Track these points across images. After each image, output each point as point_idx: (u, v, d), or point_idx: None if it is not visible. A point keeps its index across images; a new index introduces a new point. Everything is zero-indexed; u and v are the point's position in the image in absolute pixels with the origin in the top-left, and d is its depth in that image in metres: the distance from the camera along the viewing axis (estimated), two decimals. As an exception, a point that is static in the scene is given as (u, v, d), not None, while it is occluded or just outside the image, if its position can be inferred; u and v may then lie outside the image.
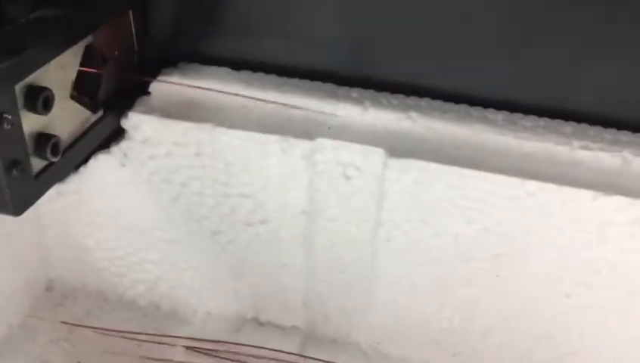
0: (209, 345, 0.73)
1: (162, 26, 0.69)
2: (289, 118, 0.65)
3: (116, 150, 0.67)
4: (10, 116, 0.47)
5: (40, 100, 0.50)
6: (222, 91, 0.65)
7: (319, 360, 0.72)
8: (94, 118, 0.61)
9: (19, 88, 0.49)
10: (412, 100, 0.66)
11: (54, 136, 0.53)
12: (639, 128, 0.63)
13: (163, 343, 0.73)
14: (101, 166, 0.68)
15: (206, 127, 0.63)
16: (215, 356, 0.72)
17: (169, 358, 0.71)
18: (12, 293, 0.73)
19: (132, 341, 0.73)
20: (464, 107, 0.65)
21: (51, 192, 0.59)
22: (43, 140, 0.53)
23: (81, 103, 0.59)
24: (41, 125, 0.53)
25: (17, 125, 0.49)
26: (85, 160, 0.67)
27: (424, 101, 0.66)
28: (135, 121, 0.64)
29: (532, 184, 0.58)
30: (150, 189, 0.69)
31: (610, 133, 0.62)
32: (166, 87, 0.66)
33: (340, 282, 0.70)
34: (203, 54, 0.69)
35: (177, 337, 0.74)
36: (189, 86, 0.66)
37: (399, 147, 0.61)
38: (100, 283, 0.79)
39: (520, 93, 0.64)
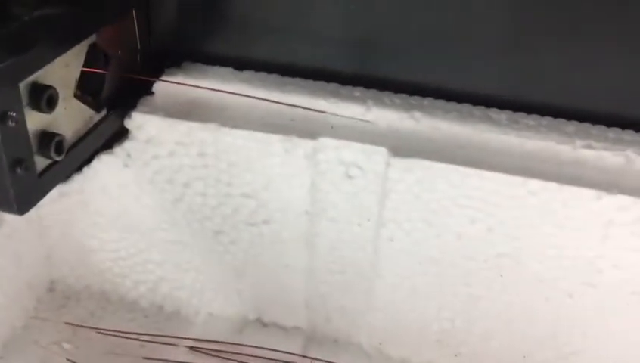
0: (212, 346, 0.73)
1: (165, 25, 0.69)
2: (292, 117, 0.65)
3: (119, 150, 0.67)
4: (14, 114, 0.47)
5: (44, 98, 0.50)
6: (225, 91, 0.65)
7: (322, 361, 0.72)
8: (97, 117, 0.62)
9: (23, 85, 0.49)
10: (415, 99, 0.66)
11: (58, 135, 0.54)
12: (643, 127, 0.63)
13: (165, 344, 0.73)
14: (104, 167, 0.68)
15: (209, 127, 0.63)
16: (218, 357, 0.72)
17: (172, 358, 0.71)
18: (15, 294, 0.73)
19: (134, 342, 0.73)
20: (466, 106, 0.65)
21: (54, 192, 0.59)
22: (47, 138, 0.53)
23: (85, 102, 0.59)
24: (45, 124, 0.53)
25: (21, 123, 0.49)
26: (88, 160, 0.68)
27: (427, 101, 0.66)
28: (138, 121, 0.65)
29: (535, 183, 0.58)
30: (153, 189, 0.69)
31: (613, 132, 0.62)
32: (169, 87, 0.67)
33: (342, 282, 0.70)
34: (206, 54, 0.69)
35: (180, 338, 0.74)
36: (192, 86, 0.66)
37: (401, 147, 0.61)
38: (102, 284, 0.79)
39: (523, 92, 0.64)
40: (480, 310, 0.68)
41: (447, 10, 0.62)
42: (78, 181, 0.70)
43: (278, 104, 0.65)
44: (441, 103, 0.65)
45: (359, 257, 0.67)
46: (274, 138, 0.63)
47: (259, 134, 0.63)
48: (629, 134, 0.62)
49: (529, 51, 0.62)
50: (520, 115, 0.64)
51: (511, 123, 0.63)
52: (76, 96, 0.57)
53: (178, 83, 0.66)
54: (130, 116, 0.65)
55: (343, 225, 0.65)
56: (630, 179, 0.59)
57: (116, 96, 0.64)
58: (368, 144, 0.61)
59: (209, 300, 0.77)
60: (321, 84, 0.67)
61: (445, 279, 0.67)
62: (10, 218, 0.69)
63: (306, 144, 0.62)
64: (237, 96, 0.65)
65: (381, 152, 0.60)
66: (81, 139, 0.59)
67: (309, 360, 0.73)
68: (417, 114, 0.63)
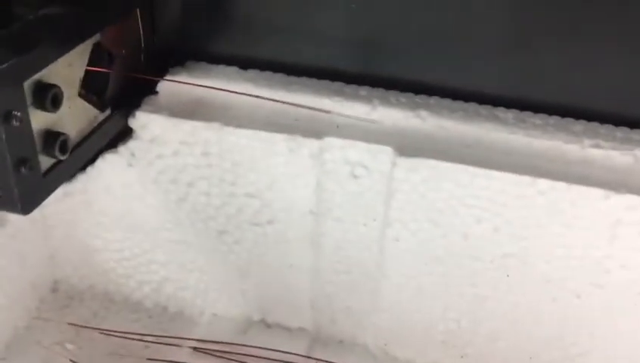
0: (216, 347, 0.72)
1: (169, 25, 0.68)
2: (297, 117, 0.64)
3: (123, 149, 0.67)
4: (18, 113, 0.47)
5: (49, 97, 0.50)
6: (229, 90, 0.65)
7: (327, 362, 0.72)
8: (101, 117, 0.61)
9: (27, 85, 0.49)
10: (421, 98, 0.65)
11: (63, 134, 0.53)
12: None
13: (169, 345, 0.73)
14: (108, 166, 0.68)
15: (213, 126, 0.63)
16: (222, 358, 0.72)
17: (176, 359, 0.71)
18: (18, 294, 0.73)
19: (138, 342, 0.73)
20: (473, 106, 0.65)
21: (58, 192, 0.58)
22: (51, 137, 0.52)
23: (89, 101, 0.59)
24: (50, 123, 0.53)
25: (26, 122, 0.49)
26: (92, 160, 0.67)
27: (433, 100, 0.65)
28: (142, 120, 0.64)
29: (543, 183, 0.58)
30: (157, 189, 0.68)
31: (621, 131, 0.62)
32: (173, 86, 0.66)
33: (347, 283, 0.70)
34: (210, 53, 0.69)
35: (184, 339, 0.74)
36: (196, 85, 0.66)
37: (407, 146, 0.61)
38: (106, 285, 0.78)
39: (530, 91, 0.64)
40: (486, 310, 0.67)
41: (452, 10, 0.61)
42: (82, 181, 0.70)
43: (283, 103, 0.65)
44: (447, 102, 0.65)
45: (365, 257, 0.67)
46: (279, 138, 0.62)
47: (264, 134, 0.62)
48: (637, 134, 0.62)
49: (536, 50, 0.62)
50: (527, 114, 0.64)
51: (518, 122, 0.63)
52: (80, 95, 0.57)
53: (183, 82, 0.66)
54: (134, 116, 0.64)
55: (349, 225, 0.65)
56: (638, 178, 0.59)
57: (121, 95, 0.63)
58: (374, 143, 0.61)
59: (214, 301, 0.77)
60: (326, 83, 0.67)
61: (451, 279, 0.66)
62: (13, 217, 0.69)
63: (311, 144, 0.62)
64: (242, 95, 0.65)
65: (387, 151, 0.60)
66: (85, 138, 0.59)
67: (314, 361, 0.72)
68: (423, 113, 0.63)
